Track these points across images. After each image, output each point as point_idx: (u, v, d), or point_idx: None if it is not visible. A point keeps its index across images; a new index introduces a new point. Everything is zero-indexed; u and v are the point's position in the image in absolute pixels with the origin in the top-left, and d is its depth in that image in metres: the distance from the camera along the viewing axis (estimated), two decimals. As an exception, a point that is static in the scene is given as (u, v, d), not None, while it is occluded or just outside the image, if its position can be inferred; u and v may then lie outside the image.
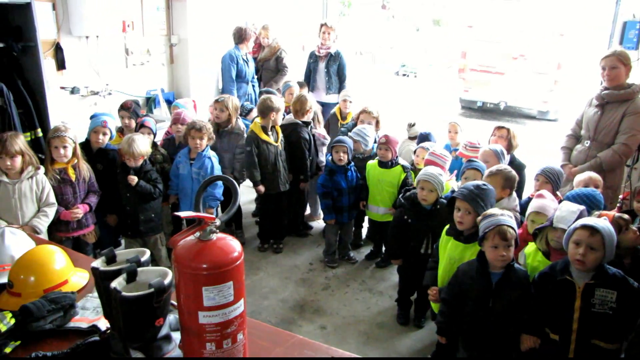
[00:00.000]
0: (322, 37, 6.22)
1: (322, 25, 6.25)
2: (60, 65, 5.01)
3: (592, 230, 2.34)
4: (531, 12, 11.96)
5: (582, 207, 2.65)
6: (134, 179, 3.82)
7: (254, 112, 5.65)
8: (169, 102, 6.18)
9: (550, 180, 3.48)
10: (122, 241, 4.37)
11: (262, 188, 4.64)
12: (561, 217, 2.61)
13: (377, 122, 4.96)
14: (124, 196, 3.94)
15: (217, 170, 4.30)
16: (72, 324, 1.64)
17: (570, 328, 2.42)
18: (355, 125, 4.92)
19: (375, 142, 4.71)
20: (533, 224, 2.97)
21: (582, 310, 2.39)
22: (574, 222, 2.49)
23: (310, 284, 4.35)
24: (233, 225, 5.05)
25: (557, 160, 4.27)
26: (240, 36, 6.19)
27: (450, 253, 2.96)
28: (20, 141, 3.35)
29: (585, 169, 3.92)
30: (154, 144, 4.30)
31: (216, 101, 4.73)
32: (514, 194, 3.40)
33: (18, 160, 3.31)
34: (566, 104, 11.05)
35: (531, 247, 2.88)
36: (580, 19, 12.03)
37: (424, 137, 4.71)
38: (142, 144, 3.86)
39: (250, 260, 4.62)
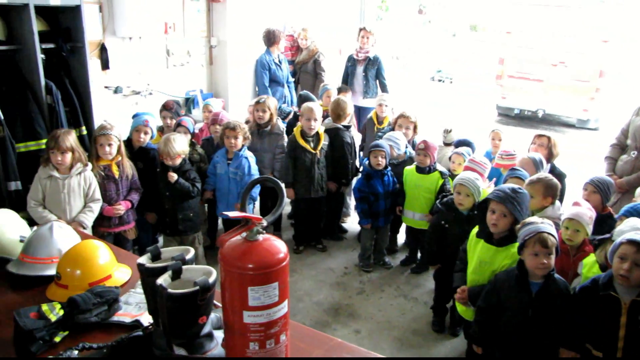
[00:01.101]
0: (360, 42, 6.20)
1: (360, 30, 6.24)
2: (105, 65, 5.12)
3: (639, 246, 2.24)
4: (572, 18, 11.66)
5: None
6: (173, 176, 3.88)
7: (291, 115, 5.66)
8: (208, 103, 6.27)
9: (600, 190, 3.34)
10: (160, 239, 4.44)
11: (291, 193, 4.67)
12: (621, 232, 2.51)
13: (415, 127, 4.93)
14: (163, 195, 4.00)
15: (254, 170, 4.33)
16: (116, 318, 1.68)
17: (615, 345, 2.33)
18: (392, 130, 4.90)
19: (407, 147, 4.68)
20: (566, 230, 2.95)
21: (628, 328, 2.30)
22: None
23: (344, 287, 4.34)
24: (271, 227, 5.07)
25: (599, 170, 4.16)
26: (269, 39, 6.21)
27: (481, 256, 2.89)
28: (72, 138, 3.46)
29: (631, 180, 3.80)
30: (191, 144, 4.37)
31: (257, 102, 4.76)
32: (558, 202, 3.31)
33: (68, 156, 3.42)
34: (608, 112, 10.76)
35: (591, 257, 2.81)
36: (625, 26, 11.67)
37: (464, 144, 4.65)
38: (179, 144, 3.91)
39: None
